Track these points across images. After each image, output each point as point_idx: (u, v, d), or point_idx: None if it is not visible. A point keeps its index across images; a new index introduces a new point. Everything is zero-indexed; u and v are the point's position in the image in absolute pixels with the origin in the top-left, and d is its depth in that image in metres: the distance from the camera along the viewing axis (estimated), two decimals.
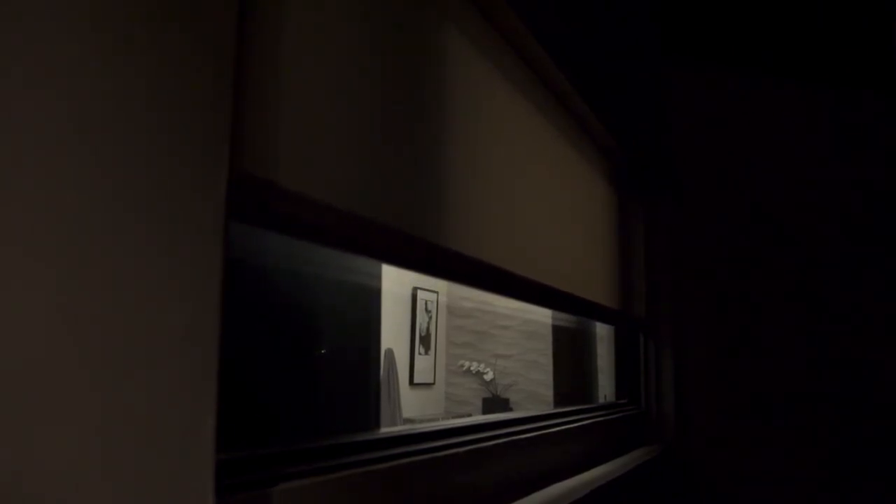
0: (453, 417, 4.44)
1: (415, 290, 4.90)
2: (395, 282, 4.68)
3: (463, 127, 0.88)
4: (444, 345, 5.31)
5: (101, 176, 0.35)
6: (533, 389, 5.03)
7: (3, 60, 0.31)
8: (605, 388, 2.05)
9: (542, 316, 4.92)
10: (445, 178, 0.83)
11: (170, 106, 0.39)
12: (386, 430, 0.86)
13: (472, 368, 5.18)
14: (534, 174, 1.13)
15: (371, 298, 1.24)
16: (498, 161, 0.98)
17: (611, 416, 1.56)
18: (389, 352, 4.35)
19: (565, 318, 2.25)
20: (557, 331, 2.31)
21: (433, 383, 5.13)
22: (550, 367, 2.29)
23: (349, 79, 0.65)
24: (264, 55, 0.53)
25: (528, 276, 1.06)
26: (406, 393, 4.69)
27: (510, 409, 4.82)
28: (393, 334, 4.62)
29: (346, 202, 0.62)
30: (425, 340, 5.02)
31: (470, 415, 4.93)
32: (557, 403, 2.26)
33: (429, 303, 5.06)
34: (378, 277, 1.25)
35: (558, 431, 1.20)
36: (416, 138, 0.76)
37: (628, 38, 1.64)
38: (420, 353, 4.94)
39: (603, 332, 2.10)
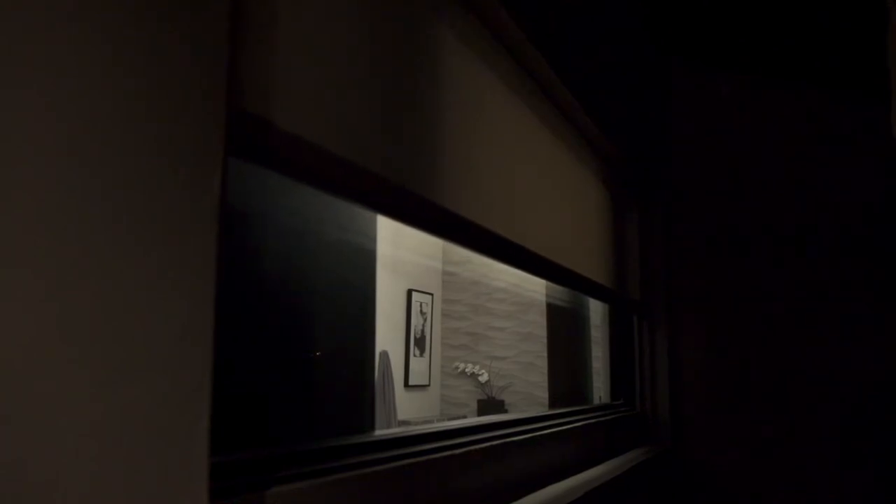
0: (449, 419, 4.44)
1: (409, 291, 4.90)
2: (391, 290, 4.68)
3: (461, 110, 0.88)
4: (439, 347, 5.31)
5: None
6: (528, 391, 5.03)
7: None
8: (601, 389, 2.05)
9: (538, 316, 4.93)
10: (444, 165, 0.83)
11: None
12: (381, 432, 0.86)
13: (467, 370, 5.18)
14: (531, 166, 1.13)
15: (366, 300, 1.23)
16: (496, 148, 0.98)
17: (606, 417, 1.56)
18: (384, 354, 4.34)
19: (561, 319, 2.25)
20: (553, 332, 2.31)
21: (428, 385, 5.13)
22: (546, 369, 2.29)
23: (349, 33, 0.65)
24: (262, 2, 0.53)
25: (526, 244, 1.07)
26: (401, 395, 4.69)
27: (505, 411, 4.82)
28: (388, 336, 4.61)
29: (338, 148, 0.62)
30: (420, 342, 5.01)
31: (465, 417, 4.93)
32: (553, 405, 2.26)
33: (424, 304, 5.06)
34: (373, 278, 1.25)
35: (554, 433, 1.20)
36: (415, 104, 0.77)
37: (627, 42, 1.64)
38: (415, 355, 4.94)
39: (598, 334, 2.10)
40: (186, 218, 0.40)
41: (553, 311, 2.31)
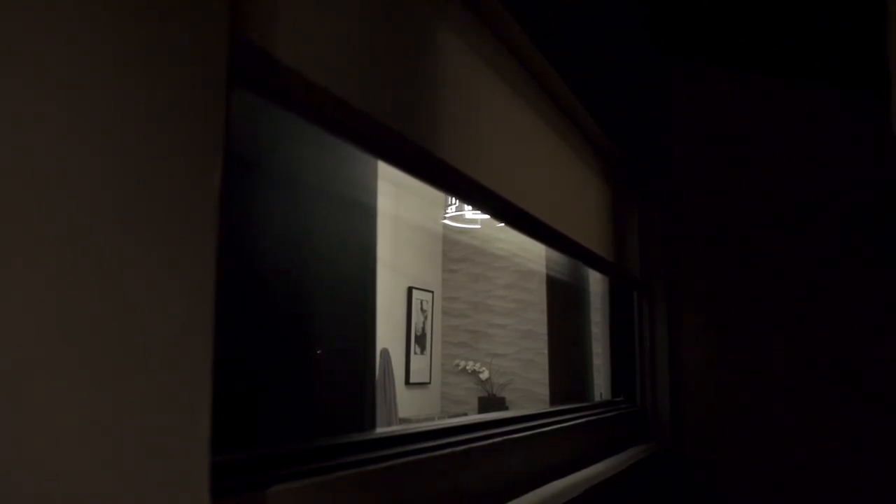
0: (449, 417, 4.44)
1: (410, 289, 4.90)
2: (392, 288, 4.68)
3: (463, 81, 0.88)
4: (439, 344, 5.31)
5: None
6: (529, 388, 5.04)
7: None
8: (601, 386, 2.05)
9: (538, 314, 4.93)
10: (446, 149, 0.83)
11: None
12: (382, 430, 0.86)
13: (467, 368, 5.19)
14: (532, 156, 1.13)
15: (366, 297, 1.24)
16: (499, 119, 0.99)
17: (606, 414, 1.57)
18: (385, 352, 4.34)
19: (562, 316, 2.25)
20: (553, 329, 2.32)
21: (429, 383, 5.14)
22: (546, 366, 2.29)
23: None
24: None
25: (528, 208, 1.07)
26: (402, 393, 4.69)
27: (506, 408, 4.83)
28: (389, 334, 4.62)
29: (338, 88, 0.62)
30: (421, 340, 5.02)
31: (466, 414, 4.93)
32: (553, 402, 2.26)
33: (424, 302, 5.07)
34: (373, 276, 1.25)
35: (554, 430, 1.20)
36: (418, 69, 0.77)
37: (627, 40, 1.64)
38: (416, 353, 4.94)
39: (599, 330, 2.10)
40: (187, 198, 0.40)
41: (553, 308, 2.31)
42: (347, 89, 0.63)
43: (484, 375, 5.11)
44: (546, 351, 2.32)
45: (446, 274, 5.40)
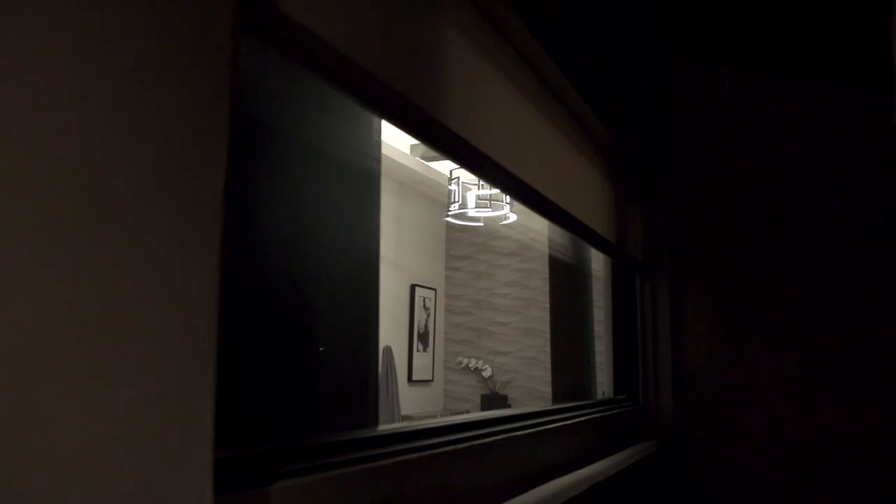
0: (452, 414, 4.44)
1: (413, 286, 4.90)
2: (395, 286, 4.68)
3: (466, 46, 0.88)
4: (442, 342, 5.31)
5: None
6: (531, 386, 5.03)
7: None
8: (604, 384, 2.05)
9: (540, 311, 4.93)
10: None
11: None
12: (384, 427, 0.86)
13: (470, 365, 5.19)
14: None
15: (369, 295, 1.24)
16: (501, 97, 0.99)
17: (609, 412, 1.57)
18: (388, 349, 4.35)
19: (564, 314, 2.25)
20: (556, 327, 2.32)
21: (431, 380, 5.14)
22: (549, 364, 2.30)
23: None
24: None
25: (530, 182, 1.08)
26: (405, 390, 4.69)
27: (509, 406, 4.83)
28: (391, 332, 4.62)
29: (339, 42, 0.63)
30: (423, 337, 5.02)
31: (468, 412, 4.94)
32: (556, 400, 2.27)
33: (427, 300, 5.07)
34: (376, 274, 1.25)
35: (556, 427, 1.20)
36: (421, 44, 0.77)
37: (631, 38, 1.64)
38: (418, 350, 4.94)
39: (601, 329, 2.10)
40: (189, 186, 0.40)
41: (556, 306, 2.31)
42: (351, 46, 0.63)
43: (486, 373, 5.10)
44: (548, 348, 2.32)
45: (449, 271, 5.40)
